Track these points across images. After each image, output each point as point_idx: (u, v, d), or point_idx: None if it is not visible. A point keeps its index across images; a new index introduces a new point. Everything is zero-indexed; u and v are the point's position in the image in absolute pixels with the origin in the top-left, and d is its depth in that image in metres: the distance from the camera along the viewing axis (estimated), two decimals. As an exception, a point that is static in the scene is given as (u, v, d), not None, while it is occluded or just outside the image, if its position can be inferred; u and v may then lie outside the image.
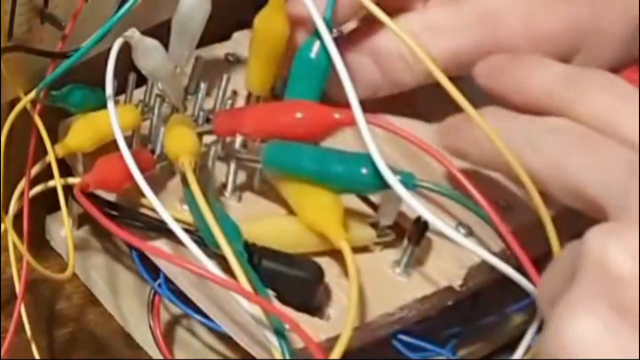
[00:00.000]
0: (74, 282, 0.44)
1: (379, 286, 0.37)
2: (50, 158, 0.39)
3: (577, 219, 0.33)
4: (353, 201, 0.39)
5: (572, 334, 0.28)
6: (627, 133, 0.33)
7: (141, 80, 0.41)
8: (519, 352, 0.36)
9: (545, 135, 0.34)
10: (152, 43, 0.38)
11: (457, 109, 0.37)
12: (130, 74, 0.41)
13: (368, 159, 0.36)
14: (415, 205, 0.35)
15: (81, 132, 0.39)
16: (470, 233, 0.38)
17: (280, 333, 0.33)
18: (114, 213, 0.38)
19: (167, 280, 0.39)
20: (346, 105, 0.36)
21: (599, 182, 0.32)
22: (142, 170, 0.36)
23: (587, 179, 0.32)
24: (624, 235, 0.28)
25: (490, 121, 0.36)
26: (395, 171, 0.35)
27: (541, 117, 0.35)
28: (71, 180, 0.39)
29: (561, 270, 0.30)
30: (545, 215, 0.35)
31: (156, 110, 0.41)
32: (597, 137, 0.33)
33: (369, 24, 0.41)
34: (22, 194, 0.39)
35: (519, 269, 0.35)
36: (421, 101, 0.43)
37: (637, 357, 0.27)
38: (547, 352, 0.28)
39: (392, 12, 0.39)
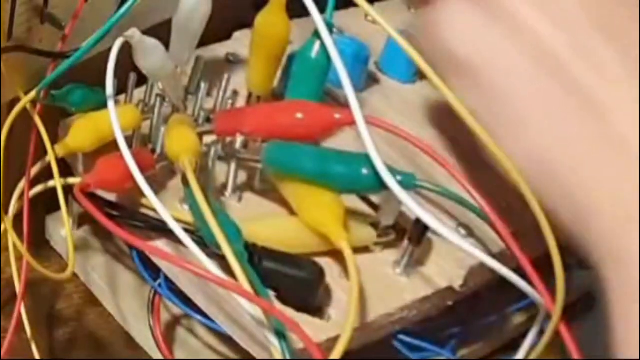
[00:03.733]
0: (74, 282, 0.44)
1: (380, 286, 0.37)
2: (50, 158, 0.39)
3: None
4: (353, 201, 0.39)
5: (444, 13, 0.33)
6: None
7: (141, 80, 0.41)
8: (521, 353, 0.36)
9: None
10: (153, 43, 0.38)
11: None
12: (130, 73, 0.41)
13: (368, 159, 0.35)
14: (412, 207, 0.35)
15: (81, 132, 0.39)
16: (470, 234, 0.38)
17: (280, 333, 0.33)
18: (114, 213, 0.38)
19: (167, 280, 0.39)
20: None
21: None
22: (143, 170, 0.36)
23: None
24: None
25: None
26: (395, 171, 0.35)
27: None
28: (71, 180, 0.39)
29: None
30: (541, 215, 0.35)
31: (156, 110, 0.41)
32: None
33: None
34: (22, 194, 0.39)
35: (519, 269, 0.35)
36: None
37: (504, 60, 0.32)
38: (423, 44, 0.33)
39: None
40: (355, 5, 0.38)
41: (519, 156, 0.33)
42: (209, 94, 0.43)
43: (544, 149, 0.33)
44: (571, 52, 0.33)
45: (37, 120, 0.39)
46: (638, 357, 0.29)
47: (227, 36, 0.47)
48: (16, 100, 0.39)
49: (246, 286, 0.33)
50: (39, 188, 0.40)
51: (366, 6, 0.37)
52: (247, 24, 0.42)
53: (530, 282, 0.34)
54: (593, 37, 0.33)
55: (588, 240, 0.32)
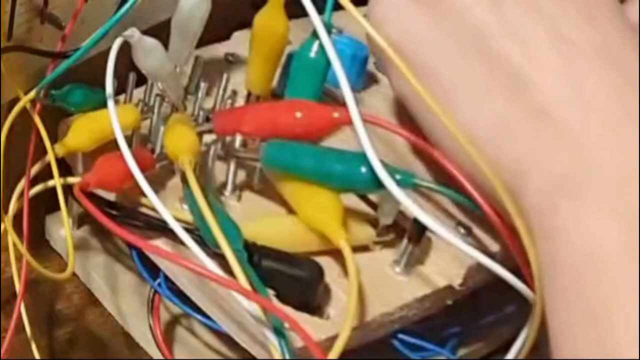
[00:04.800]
0: (74, 282, 0.44)
1: (379, 285, 0.37)
2: (50, 158, 0.39)
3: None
4: (353, 201, 0.39)
5: (380, 4, 0.36)
6: None
7: (141, 80, 0.42)
8: (512, 352, 0.36)
9: None
10: (152, 43, 0.38)
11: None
12: (130, 73, 0.41)
13: (367, 159, 0.35)
14: (410, 206, 0.35)
15: (81, 132, 0.39)
16: (469, 233, 0.38)
17: (280, 332, 0.33)
18: (114, 212, 0.38)
19: (167, 279, 0.39)
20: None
21: None
22: (142, 169, 0.36)
23: None
24: None
25: None
26: (395, 170, 0.35)
27: None
28: (71, 179, 0.39)
29: None
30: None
31: (156, 110, 0.41)
32: None
33: None
34: (22, 194, 0.39)
35: (519, 269, 0.35)
36: None
37: (433, 42, 0.34)
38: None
39: None
40: (355, 5, 0.38)
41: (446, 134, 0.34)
42: (208, 93, 0.43)
43: (471, 127, 0.34)
44: (497, 30, 0.34)
45: (37, 120, 0.39)
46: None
47: (227, 36, 0.47)
48: (16, 100, 0.39)
49: (245, 285, 0.33)
50: (38, 188, 0.40)
51: (351, 8, 0.37)
52: (247, 24, 0.42)
53: (528, 282, 0.34)
54: (521, 17, 0.34)
55: (521, 211, 0.33)
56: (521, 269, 0.35)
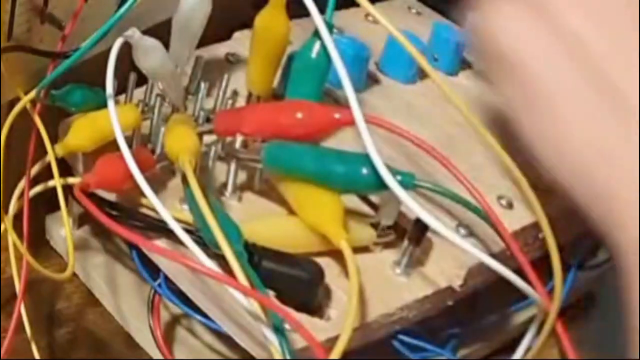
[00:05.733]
0: (74, 282, 0.44)
1: (379, 286, 0.37)
2: (50, 158, 0.39)
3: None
4: (353, 201, 0.39)
5: (495, 17, 0.36)
6: None
7: (141, 80, 0.41)
8: (519, 353, 0.36)
9: None
10: (153, 43, 0.38)
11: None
12: (130, 73, 0.41)
13: (368, 159, 0.35)
14: (413, 207, 0.35)
15: (81, 132, 0.39)
16: (470, 233, 0.38)
17: (280, 333, 0.33)
18: (114, 213, 0.38)
19: (167, 279, 0.39)
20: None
21: None
22: (142, 169, 0.36)
23: None
24: None
25: None
26: (395, 171, 0.35)
27: None
28: (71, 180, 0.39)
29: None
30: (541, 215, 0.35)
31: (156, 110, 0.41)
32: None
33: None
34: (22, 194, 0.39)
35: (519, 269, 0.35)
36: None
37: (544, 57, 0.34)
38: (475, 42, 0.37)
39: None
40: (355, 5, 0.38)
41: (544, 144, 0.35)
42: (208, 94, 0.43)
43: (570, 144, 0.34)
44: (608, 53, 0.34)
45: (37, 120, 0.39)
46: None
47: (227, 36, 0.47)
48: (16, 100, 0.39)
49: (244, 283, 0.33)
50: (38, 188, 0.40)
51: (368, 5, 0.37)
52: (247, 24, 0.42)
53: (529, 282, 0.34)
54: (631, 38, 0.34)
55: (612, 229, 0.33)
56: (521, 270, 0.35)
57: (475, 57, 0.40)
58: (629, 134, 0.33)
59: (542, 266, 0.36)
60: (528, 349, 0.36)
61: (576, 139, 0.34)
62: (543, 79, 0.35)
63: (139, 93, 0.42)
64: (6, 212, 0.39)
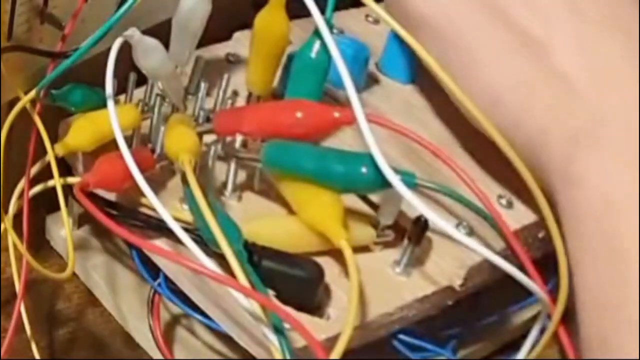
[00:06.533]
0: (74, 282, 0.44)
1: (379, 286, 0.37)
2: (50, 157, 0.39)
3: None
4: (353, 201, 0.39)
5: None
6: None
7: (141, 80, 0.41)
8: (523, 352, 0.36)
9: None
10: (153, 42, 0.38)
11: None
12: (130, 73, 0.41)
13: (368, 159, 0.35)
14: (417, 204, 0.35)
15: (81, 132, 0.39)
16: (471, 232, 0.38)
17: (280, 332, 0.33)
18: (114, 212, 0.38)
19: (167, 279, 0.39)
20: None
21: None
22: (142, 169, 0.36)
23: None
24: None
25: None
26: (395, 170, 0.35)
27: None
28: (71, 179, 0.39)
29: None
30: (548, 212, 0.35)
31: (156, 110, 0.41)
32: None
33: None
34: (22, 194, 0.39)
35: (521, 269, 0.35)
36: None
37: (462, 16, 0.38)
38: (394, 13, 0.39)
39: None
40: (355, 5, 0.38)
41: (475, 96, 0.37)
42: (208, 94, 0.43)
43: (495, 87, 0.37)
44: (520, 5, 0.38)
45: (37, 120, 0.39)
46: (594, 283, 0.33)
47: (227, 36, 0.47)
48: (16, 100, 0.39)
49: (245, 284, 0.33)
50: (38, 188, 0.40)
51: (371, 3, 0.37)
52: (247, 24, 0.42)
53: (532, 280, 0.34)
54: None
55: (541, 168, 0.36)
56: (524, 268, 0.35)
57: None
58: (547, 70, 0.36)
59: (542, 267, 0.36)
60: (532, 349, 0.36)
61: (496, 76, 0.37)
62: (462, 34, 0.39)
63: (139, 93, 0.42)
64: (6, 212, 0.39)
